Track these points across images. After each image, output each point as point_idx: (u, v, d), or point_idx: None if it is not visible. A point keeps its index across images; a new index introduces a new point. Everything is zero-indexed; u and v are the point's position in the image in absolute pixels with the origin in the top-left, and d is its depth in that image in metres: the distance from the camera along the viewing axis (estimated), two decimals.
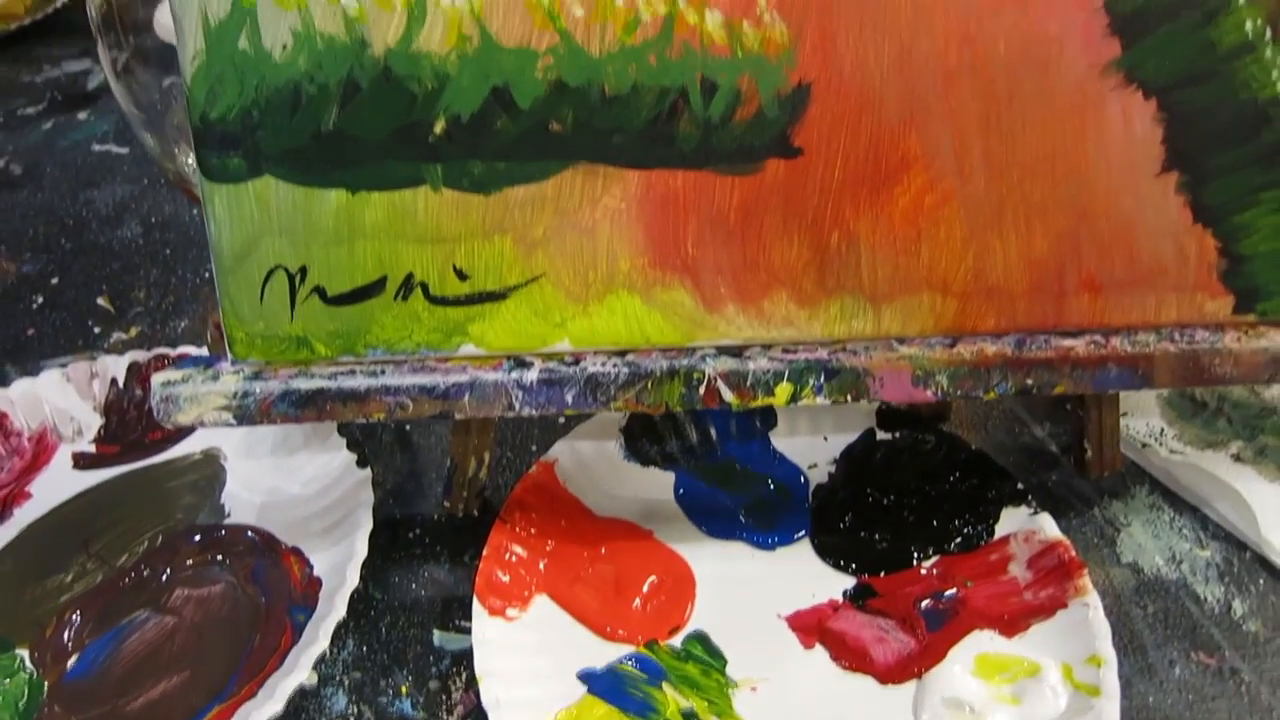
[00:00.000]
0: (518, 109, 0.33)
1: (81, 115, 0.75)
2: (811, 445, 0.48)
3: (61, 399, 0.48)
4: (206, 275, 0.59)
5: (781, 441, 0.48)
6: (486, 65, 0.32)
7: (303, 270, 0.34)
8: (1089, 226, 0.37)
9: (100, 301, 0.57)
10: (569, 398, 0.36)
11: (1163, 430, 0.50)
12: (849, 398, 0.37)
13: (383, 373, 0.36)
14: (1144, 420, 0.50)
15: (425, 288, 0.35)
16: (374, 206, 0.34)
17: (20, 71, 0.82)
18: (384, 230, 0.34)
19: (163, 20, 0.77)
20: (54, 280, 0.59)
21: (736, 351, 0.37)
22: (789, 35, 0.33)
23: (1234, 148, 0.37)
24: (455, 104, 0.32)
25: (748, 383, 0.37)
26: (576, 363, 0.36)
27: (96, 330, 0.56)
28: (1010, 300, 0.38)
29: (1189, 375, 0.39)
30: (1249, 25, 0.35)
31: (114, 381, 0.49)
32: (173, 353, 0.51)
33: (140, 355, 0.50)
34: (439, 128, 0.33)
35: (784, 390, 0.37)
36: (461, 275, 0.35)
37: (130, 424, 0.48)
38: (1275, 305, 0.39)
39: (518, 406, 0.36)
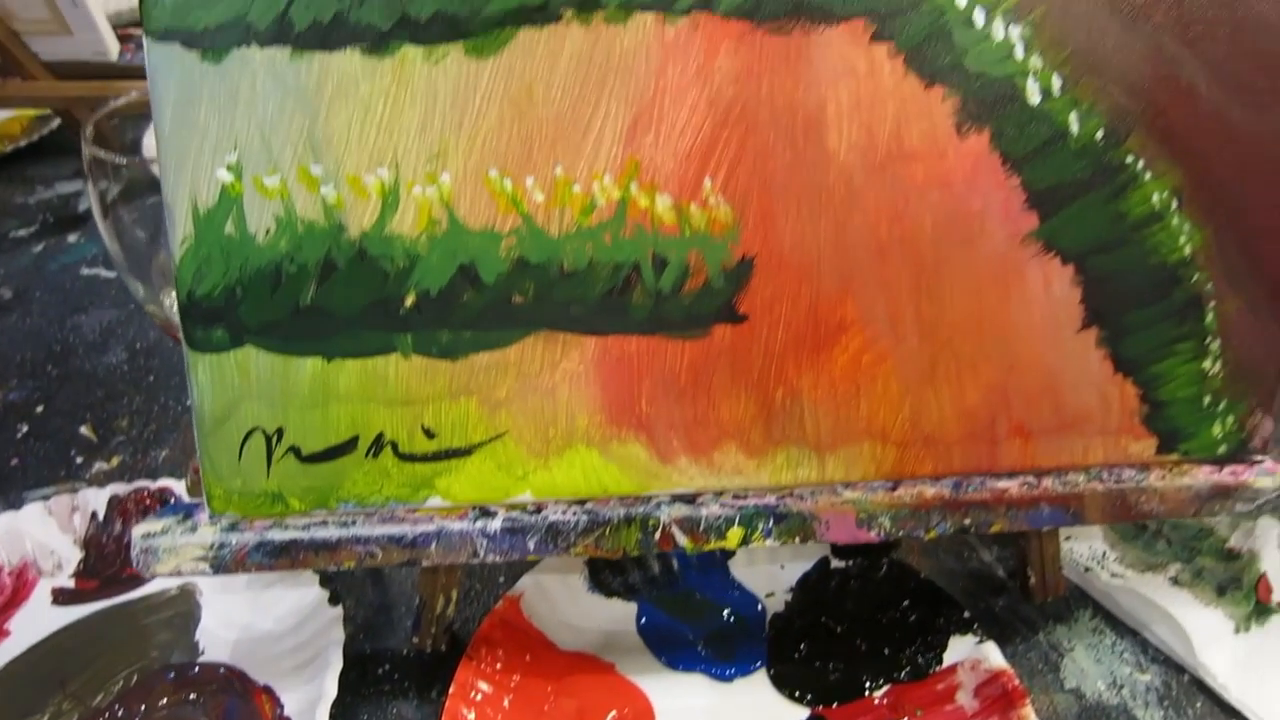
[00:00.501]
0: (483, 284, 0.35)
1: (71, 238, 0.78)
2: (769, 574, 0.50)
3: (43, 533, 0.50)
4: (189, 403, 0.61)
5: (740, 570, 0.50)
6: (454, 246, 0.35)
7: (279, 431, 0.36)
8: (1017, 379, 0.40)
9: (83, 430, 0.59)
10: (531, 545, 0.38)
11: (1105, 553, 0.52)
12: (797, 539, 0.40)
13: (353, 523, 0.38)
14: (1087, 543, 0.52)
15: (395, 446, 0.37)
16: (348, 373, 0.36)
17: (14, 193, 0.85)
18: (357, 394, 0.36)
19: (150, 145, 0.80)
20: (39, 408, 0.61)
21: (690, 498, 0.39)
22: (733, 215, 0.36)
23: (1148, 305, 0.40)
24: (425, 280, 0.35)
25: (700, 528, 0.39)
26: (538, 511, 0.38)
27: (79, 460, 0.57)
28: (946, 447, 0.40)
29: (1118, 512, 0.42)
30: (1155, 198, 0.39)
31: (94, 515, 0.51)
32: (153, 485, 0.52)
33: (120, 488, 0.52)
34: (409, 301, 0.35)
35: (735, 534, 0.39)
36: (429, 434, 0.37)
37: (109, 558, 0.50)
38: (1196, 445, 0.42)
39: (482, 554, 0.38)
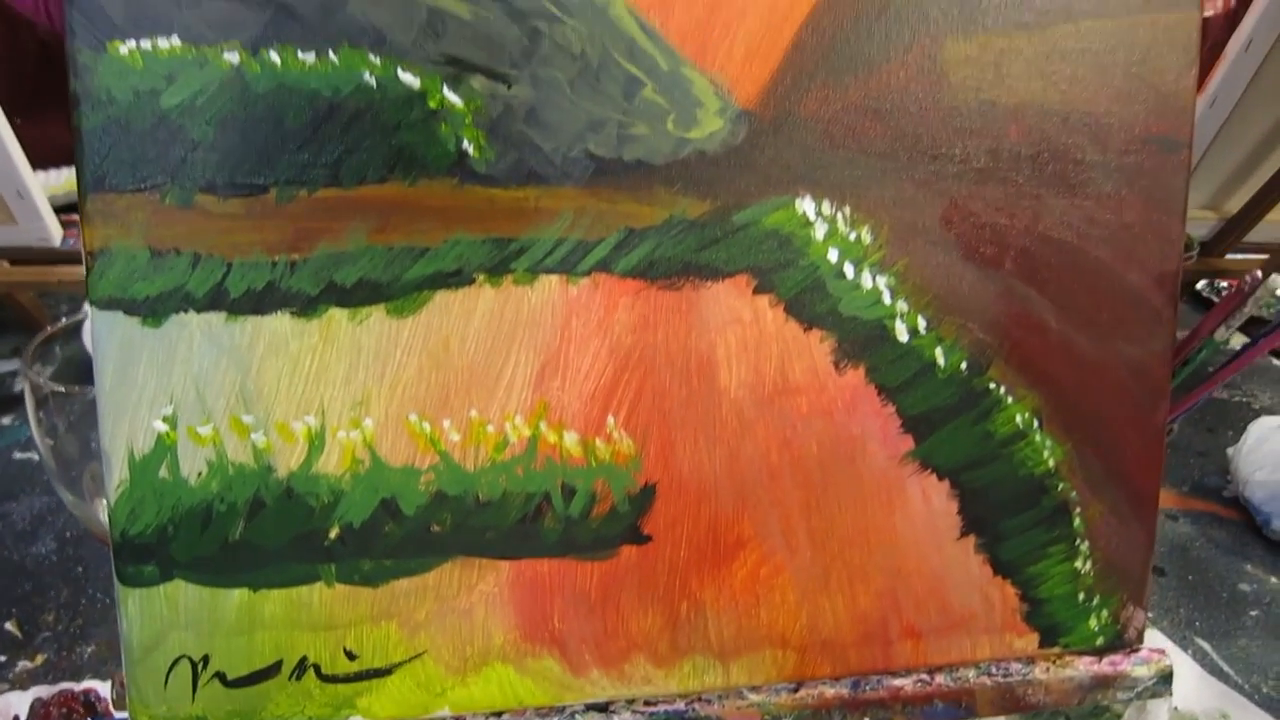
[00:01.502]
0: (403, 516, 0.38)
1: (5, 420, 0.79)
2: None
3: None
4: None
5: None
6: (376, 482, 0.37)
7: (205, 658, 0.38)
8: (904, 584, 0.43)
9: (9, 626, 0.59)
10: None
11: None
12: None
13: None
14: None
15: (318, 668, 0.39)
16: (273, 601, 0.38)
17: None
18: (282, 621, 0.38)
19: (89, 331, 0.82)
20: None
21: (602, 707, 0.41)
22: (635, 447, 0.39)
23: (1020, 513, 0.44)
24: (348, 514, 0.38)
25: None
26: None
27: (2, 658, 0.57)
28: (843, 649, 0.43)
29: (1008, 705, 0.45)
30: (1018, 418, 0.43)
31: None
32: (77, 687, 0.53)
33: (44, 691, 0.52)
34: (333, 534, 0.38)
35: None
36: (351, 656, 0.39)
37: None
38: (1075, 638, 0.46)
39: None
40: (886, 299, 0.40)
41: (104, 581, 0.63)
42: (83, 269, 0.76)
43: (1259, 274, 0.48)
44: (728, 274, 0.39)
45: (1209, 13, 1.24)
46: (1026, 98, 0.40)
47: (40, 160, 1.04)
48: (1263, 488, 0.77)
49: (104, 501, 0.52)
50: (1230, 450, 0.84)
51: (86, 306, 0.82)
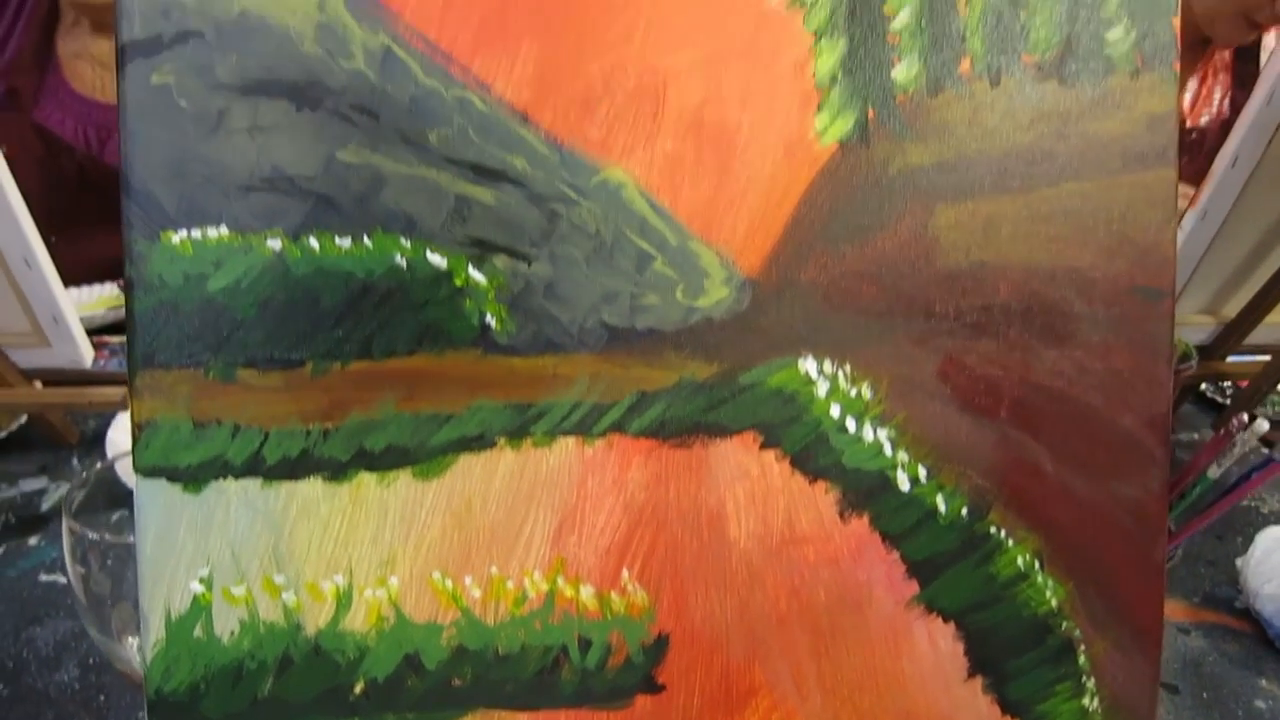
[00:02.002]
0: (426, 670, 0.39)
1: (32, 540, 0.81)
2: None
3: None
4: None
5: None
6: (400, 638, 0.39)
7: None
8: None
9: None
10: None
11: None
12: None
13: None
14: None
15: None
16: None
17: None
18: None
19: (114, 441, 0.85)
20: None
21: None
22: (649, 599, 0.41)
23: (1025, 653, 0.45)
24: (373, 669, 0.39)
25: None
26: None
27: None
28: None
29: None
30: (1020, 560, 0.44)
31: None
32: None
33: None
34: (358, 689, 0.39)
35: None
36: None
37: None
38: None
39: None
40: (888, 450, 0.42)
41: (125, 711, 0.64)
42: (112, 390, 0.79)
43: (1245, 417, 0.50)
44: (735, 431, 0.41)
45: (1204, 120, 1.29)
46: (1015, 257, 0.43)
47: (73, 278, 1.08)
48: (1272, 601, 0.78)
49: (131, 640, 0.54)
50: (1239, 560, 0.84)
51: (111, 435, 0.83)
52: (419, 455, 0.38)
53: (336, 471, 0.38)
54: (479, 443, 0.39)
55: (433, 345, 0.38)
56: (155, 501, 0.37)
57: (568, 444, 0.39)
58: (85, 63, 1.13)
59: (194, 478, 0.37)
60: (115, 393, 0.83)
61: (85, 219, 1.10)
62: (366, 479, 0.38)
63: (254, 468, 0.37)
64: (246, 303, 0.37)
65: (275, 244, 0.37)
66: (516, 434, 0.39)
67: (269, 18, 0.36)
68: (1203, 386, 1.19)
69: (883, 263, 0.42)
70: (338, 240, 0.37)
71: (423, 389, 0.38)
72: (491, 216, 0.38)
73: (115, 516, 0.60)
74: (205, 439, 0.37)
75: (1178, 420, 1.01)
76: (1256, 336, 1.06)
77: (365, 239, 0.37)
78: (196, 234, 0.36)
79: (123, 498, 0.60)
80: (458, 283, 0.38)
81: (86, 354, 0.85)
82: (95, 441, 0.97)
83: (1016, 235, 0.43)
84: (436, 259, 0.38)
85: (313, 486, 0.38)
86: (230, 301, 0.37)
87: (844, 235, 0.41)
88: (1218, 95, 1.20)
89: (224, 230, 0.36)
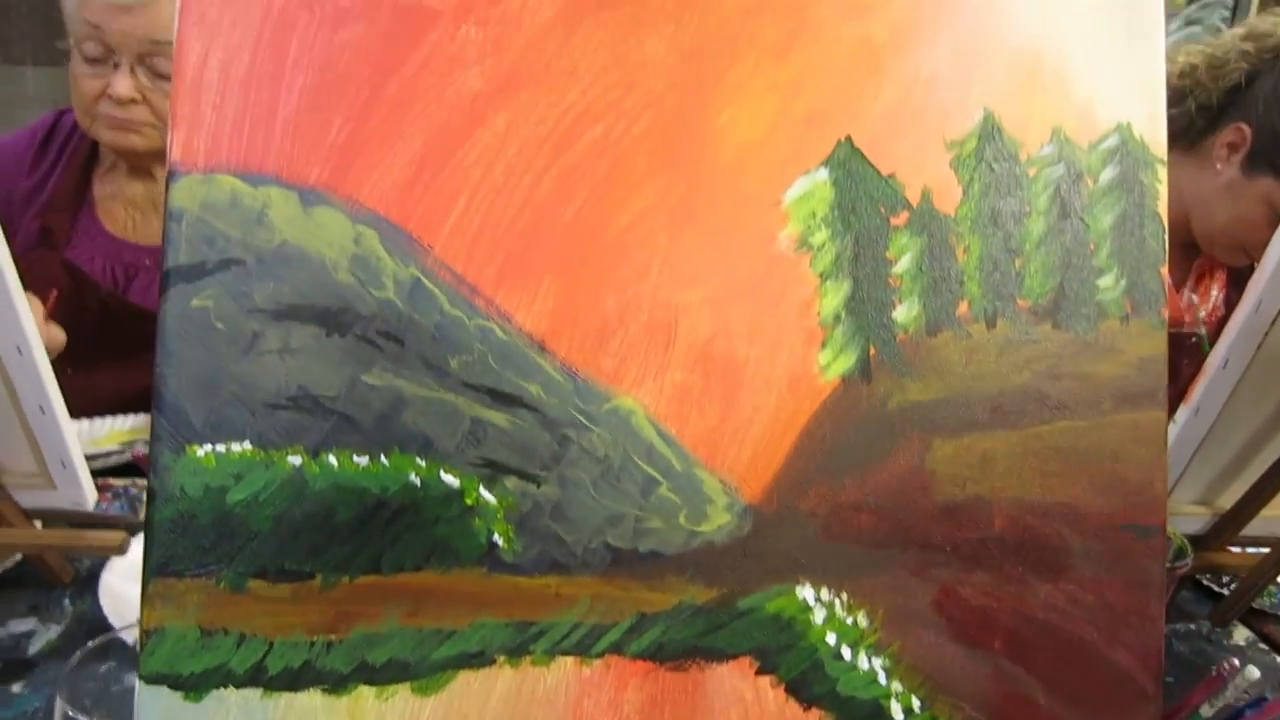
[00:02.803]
0: None
1: (16, 687, 0.80)
2: None
3: None
4: None
5: None
6: None
7: None
8: None
9: None
10: None
11: None
12: None
13: None
14: None
15: None
16: None
17: None
18: None
19: (108, 584, 0.84)
20: None
21: None
22: None
23: None
24: None
25: None
26: None
27: None
28: None
29: None
30: None
31: None
32: None
33: None
34: None
35: None
36: None
37: None
38: None
39: None
40: (882, 680, 0.43)
41: None
42: (111, 534, 0.79)
43: (1236, 662, 0.50)
44: (732, 656, 0.41)
45: (1201, 314, 1.32)
46: (1010, 492, 0.44)
47: (84, 409, 1.10)
48: None
49: None
50: None
51: (105, 577, 0.83)
52: (419, 670, 0.39)
53: (337, 684, 0.38)
54: (478, 659, 0.39)
55: (441, 562, 0.39)
56: (155, 707, 0.37)
57: (566, 664, 0.40)
58: (119, 204, 1.17)
59: (196, 686, 0.38)
60: (115, 536, 0.83)
61: (104, 353, 1.12)
62: (365, 693, 0.39)
63: (256, 678, 0.38)
64: (263, 515, 0.38)
65: (296, 460, 0.38)
66: (516, 652, 0.40)
67: (306, 248, 0.38)
68: (1200, 576, 1.19)
69: (881, 494, 0.43)
70: (356, 458, 0.38)
71: (428, 604, 0.39)
72: (505, 439, 0.39)
73: (104, 668, 0.60)
74: (211, 648, 0.38)
75: (1174, 609, 1.01)
76: (1253, 529, 1.06)
77: (383, 457, 0.38)
78: (221, 448, 0.37)
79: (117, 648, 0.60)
80: (469, 501, 0.39)
81: (90, 497, 0.86)
82: (89, 581, 0.96)
83: (1011, 470, 0.44)
84: (450, 478, 0.39)
85: (312, 698, 0.38)
86: (248, 514, 0.38)
87: (844, 466, 0.42)
88: (1215, 292, 1.23)
89: (247, 445, 0.38)
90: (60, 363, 1.16)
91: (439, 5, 0.39)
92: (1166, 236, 0.46)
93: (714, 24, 0.42)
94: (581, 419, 0.40)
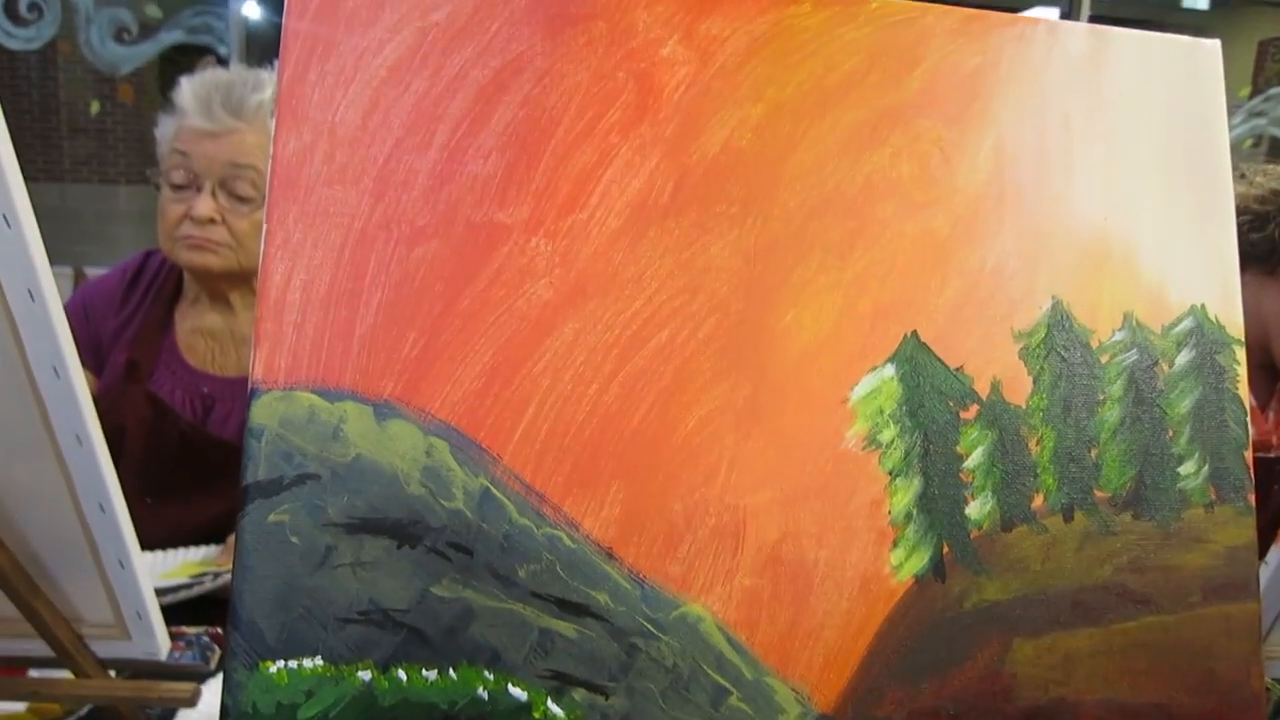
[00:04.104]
0: None
1: None
2: None
3: None
4: None
5: None
6: None
7: None
8: None
9: None
10: None
11: None
12: None
13: None
14: None
15: None
16: None
17: None
18: None
19: None
20: None
21: None
22: None
23: None
24: None
25: None
26: None
27: None
28: None
29: None
30: None
31: None
32: None
33: None
34: None
35: None
36: None
37: None
38: None
39: None
40: None
41: None
42: (182, 685, 0.79)
43: None
44: None
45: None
46: (1095, 694, 0.42)
47: (158, 541, 1.12)
48: None
49: None
50: None
51: None
52: None
53: None
54: None
55: None
56: None
57: None
58: (200, 337, 1.22)
59: None
60: (186, 688, 0.84)
61: (181, 484, 1.15)
62: None
63: None
64: None
65: (365, 675, 0.38)
66: None
67: (380, 461, 0.39)
68: None
69: (961, 699, 0.41)
70: (424, 672, 0.38)
71: None
72: (573, 650, 0.39)
73: None
74: None
75: None
76: None
77: (451, 671, 0.38)
78: (293, 664, 0.38)
79: None
80: (537, 715, 0.39)
81: (164, 647, 0.87)
82: None
83: (1096, 670, 0.42)
84: (517, 692, 0.39)
85: None
86: None
87: (921, 671, 0.41)
88: None
89: (319, 661, 0.38)
90: (140, 492, 1.19)
91: (509, 220, 0.41)
92: (1249, 418, 0.45)
93: (777, 226, 0.42)
94: (650, 627, 0.40)
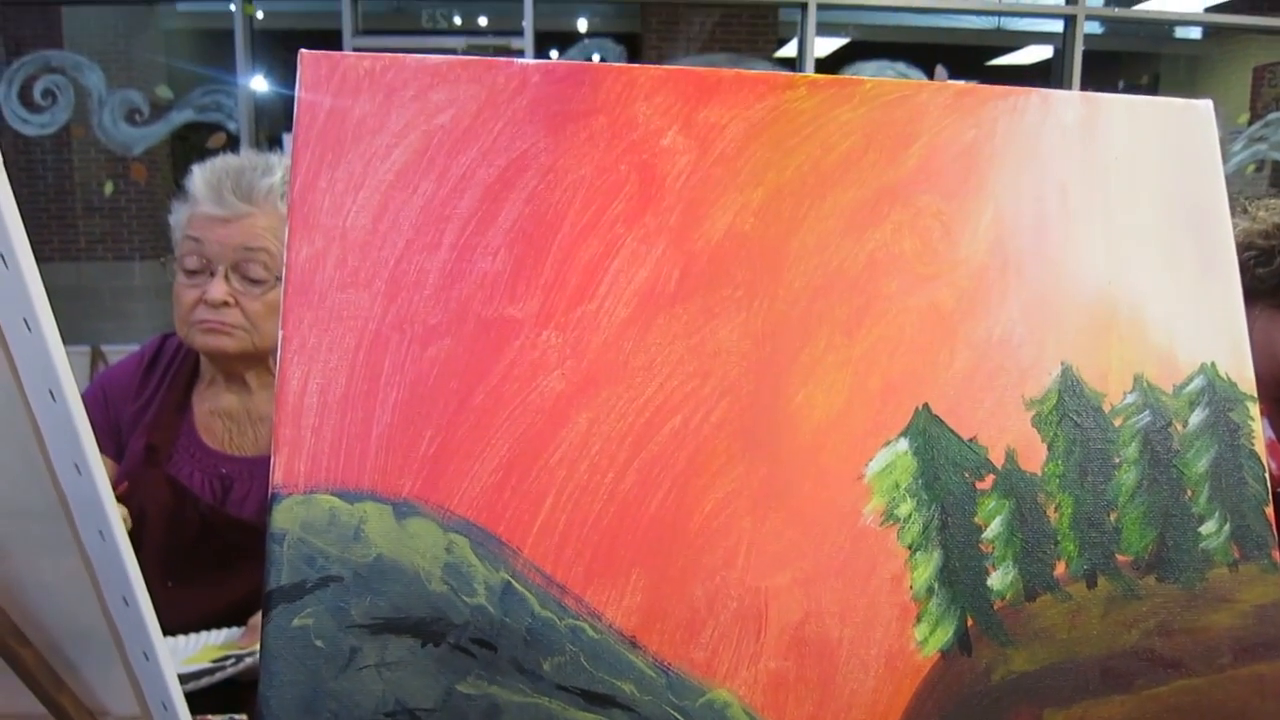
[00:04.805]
0: None
1: None
2: None
3: None
4: None
5: None
6: None
7: None
8: None
9: None
10: None
11: None
12: None
13: None
14: None
15: None
16: None
17: None
18: None
19: None
20: None
21: None
22: None
23: None
24: None
25: None
26: None
27: None
28: None
29: None
30: None
31: None
32: None
33: None
34: None
35: None
36: None
37: None
38: None
39: None
40: None
41: None
42: None
43: None
44: None
45: None
46: None
47: (180, 624, 1.12)
48: None
49: None
50: None
51: None
52: None
53: None
54: None
55: None
56: None
57: None
58: (217, 419, 1.23)
59: None
60: None
61: (202, 566, 1.15)
62: None
63: None
64: None
65: None
66: None
67: (401, 560, 0.39)
68: None
69: None
70: None
71: None
72: None
73: None
74: None
75: None
76: None
77: None
78: None
79: None
80: None
81: None
82: None
83: None
84: None
85: None
86: None
87: None
88: None
89: None
90: (161, 576, 1.19)
91: (520, 314, 0.41)
92: (1268, 475, 0.45)
93: (783, 307, 0.43)
94: (677, 715, 0.39)
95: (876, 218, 0.44)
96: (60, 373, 0.55)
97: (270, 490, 0.39)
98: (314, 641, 0.38)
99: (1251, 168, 4.48)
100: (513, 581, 0.40)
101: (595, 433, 0.41)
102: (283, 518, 0.39)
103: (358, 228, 0.41)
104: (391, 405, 0.40)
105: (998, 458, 0.43)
